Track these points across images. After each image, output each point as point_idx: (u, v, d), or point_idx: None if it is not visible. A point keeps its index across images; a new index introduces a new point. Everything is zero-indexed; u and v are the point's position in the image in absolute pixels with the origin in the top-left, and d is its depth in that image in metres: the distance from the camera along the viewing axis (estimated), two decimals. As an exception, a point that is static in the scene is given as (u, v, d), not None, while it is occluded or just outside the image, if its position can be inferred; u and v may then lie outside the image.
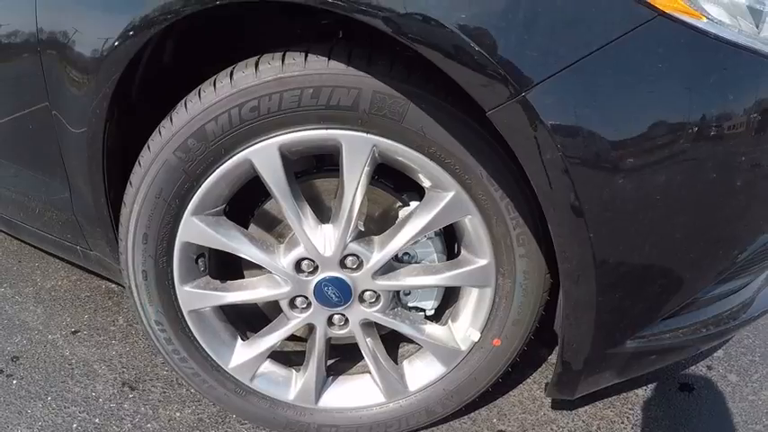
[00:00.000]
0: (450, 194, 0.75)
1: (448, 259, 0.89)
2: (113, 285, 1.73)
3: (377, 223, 0.88)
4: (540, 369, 1.27)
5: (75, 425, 1.17)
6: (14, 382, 1.31)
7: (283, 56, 0.71)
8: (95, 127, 0.87)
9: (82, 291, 1.73)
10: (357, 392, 0.97)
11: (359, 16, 0.61)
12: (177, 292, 0.85)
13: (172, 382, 1.24)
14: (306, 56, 0.70)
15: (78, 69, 0.85)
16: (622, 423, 1.13)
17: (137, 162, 0.81)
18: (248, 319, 0.99)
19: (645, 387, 1.23)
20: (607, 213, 0.62)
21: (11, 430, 1.17)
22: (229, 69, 0.74)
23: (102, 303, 1.63)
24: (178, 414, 1.15)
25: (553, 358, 1.30)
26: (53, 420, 1.19)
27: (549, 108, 0.59)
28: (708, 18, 0.65)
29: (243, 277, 0.94)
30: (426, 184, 0.78)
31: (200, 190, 0.77)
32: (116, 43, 0.77)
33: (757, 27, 0.73)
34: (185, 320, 0.88)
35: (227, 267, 0.93)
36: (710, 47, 0.64)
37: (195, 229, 0.79)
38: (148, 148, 0.78)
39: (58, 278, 1.86)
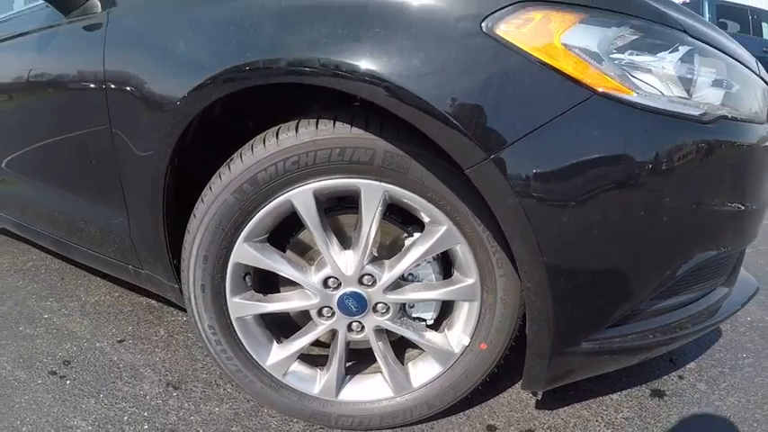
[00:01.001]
0: (444, 228, 0.98)
1: (444, 279, 1.12)
2: (153, 301, 1.96)
3: (387, 249, 1.12)
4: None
5: (125, 417, 1.39)
6: (68, 382, 1.54)
7: (317, 122, 0.95)
8: (159, 168, 1.11)
9: (124, 305, 1.97)
10: (370, 388, 1.19)
11: (363, 95, 0.85)
12: (228, 302, 1.09)
13: (211, 383, 1.46)
14: (334, 122, 0.94)
15: (145, 123, 1.10)
16: (596, 422, 1.33)
17: (200, 199, 1.05)
18: (281, 326, 1.22)
19: (619, 392, 1.42)
20: (556, 243, 0.85)
21: (68, 422, 1.39)
22: (275, 130, 0.99)
23: (144, 317, 1.87)
24: (217, 409, 1.38)
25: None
26: (106, 414, 1.41)
27: (510, 166, 0.82)
28: (637, 92, 0.87)
29: (279, 291, 1.17)
30: (426, 219, 1.01)
31: (250, 222, 1.01)
32: (179, 103, 1.03)
33: (688, 92, 0.95)
34: (233, 326, 1.12)
35: (268, 283, 1.17)
36: (638, 115, 0.86)
37: (245, 253, 1.04)
38: (210, 188, 1.03)
39: (100, 294, 2.10)
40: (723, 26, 9.49)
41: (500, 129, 0.82)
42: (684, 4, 11.57)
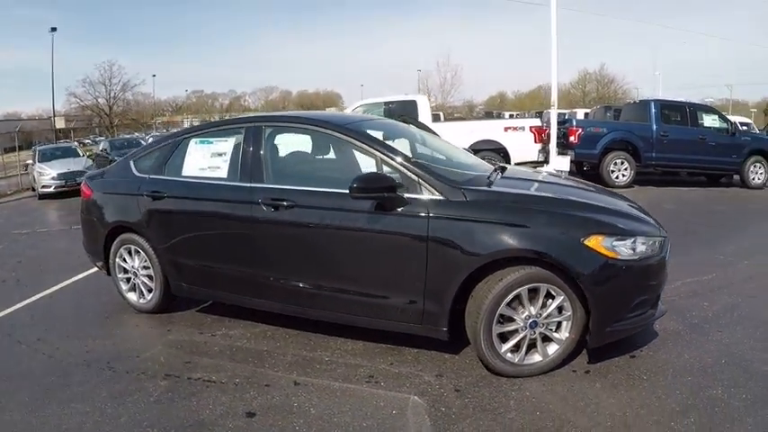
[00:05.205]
0: (562, 297, 3.32)
1: (559, 314, 3.48)
2: (389, 345, 3.95)
3: (542, 306, 3.44)
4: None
5: (422, 387, 3.42)
6: (381, 383, 3.67)
7: (523, 267, 3.35)
8: (454, 286, 3.41)
9: (372, 349, 3.92)
10: (534, 357, 3.45)
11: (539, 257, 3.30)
12: (492, 329, 3.36)
13: (455, 371, 3.57)
14: (534, 265, 3.34)
15: (449, 264, 3.40)
16: (607, 364, 3.67)
17: (488, 292, 3.35)
18: (504, 335, 3.50)
19: (620, 356, 3.69)
20: (595, 299, 3.28)
21: (401, 397, 3.55)
22: (515, 268, 3.34)
23: (389, 353, 3.84)
24: (465, 380, 3.46)
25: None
26: (416, 390, 3.42)
27: (588, 280, 3.24)
28: (619, 255, 3.32)
29: (505, 323, 3.46)
30: (554, 295, 3.36)
31: (506, 299, 3.28)
32: (473, 261, 3.39)
33: (634, 251, 3.40)
34: (492, 337, 3.38)
35: (503, 319, 3.46)
36: (619, 261, 3.31)
37: (503, 310, 3.31)
38: (493, 289, 3.30)
39: (349, 345, 4.01)
40: (668, 118, 11.76)
41: (582, 267, 3.24)
42: (634, 103, 14.43)
